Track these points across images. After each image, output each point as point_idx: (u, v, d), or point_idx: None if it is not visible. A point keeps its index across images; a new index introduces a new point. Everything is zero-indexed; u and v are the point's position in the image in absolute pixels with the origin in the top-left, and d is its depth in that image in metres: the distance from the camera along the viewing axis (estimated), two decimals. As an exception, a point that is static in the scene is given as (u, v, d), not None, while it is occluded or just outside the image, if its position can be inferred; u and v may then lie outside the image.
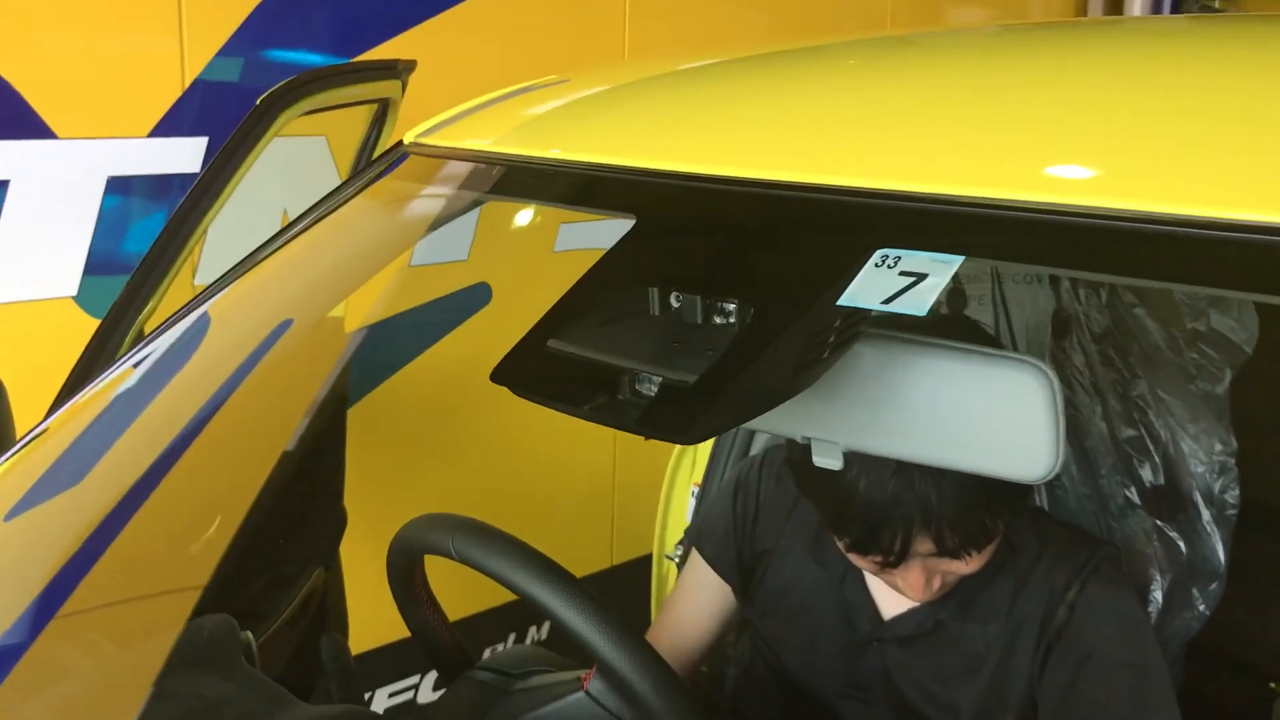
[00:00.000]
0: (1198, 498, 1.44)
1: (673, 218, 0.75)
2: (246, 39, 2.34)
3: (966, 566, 1.17)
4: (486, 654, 3.09)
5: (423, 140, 1.12)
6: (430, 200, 1.15)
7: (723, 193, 0.72)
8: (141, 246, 2.29)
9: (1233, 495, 1.45)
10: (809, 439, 0.73)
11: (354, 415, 2.22)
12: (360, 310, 2.09)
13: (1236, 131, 0.66)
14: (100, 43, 2.15)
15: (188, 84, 2.27)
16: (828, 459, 0.73)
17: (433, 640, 1.16)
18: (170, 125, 2.27)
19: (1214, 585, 1.43)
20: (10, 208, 2.10)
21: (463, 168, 1.12)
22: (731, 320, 0.61)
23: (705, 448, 1.83)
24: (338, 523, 2.10)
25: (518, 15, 2.72)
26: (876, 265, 0.57)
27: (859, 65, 1.17)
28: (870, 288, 0.56)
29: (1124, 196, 0.59)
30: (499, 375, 0.65)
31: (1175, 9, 4.40)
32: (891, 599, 1.29)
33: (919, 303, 0.54)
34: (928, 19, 3.81)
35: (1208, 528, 1.44)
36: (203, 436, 1.37)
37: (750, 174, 0.73)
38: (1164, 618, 1.41)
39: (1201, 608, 1.43)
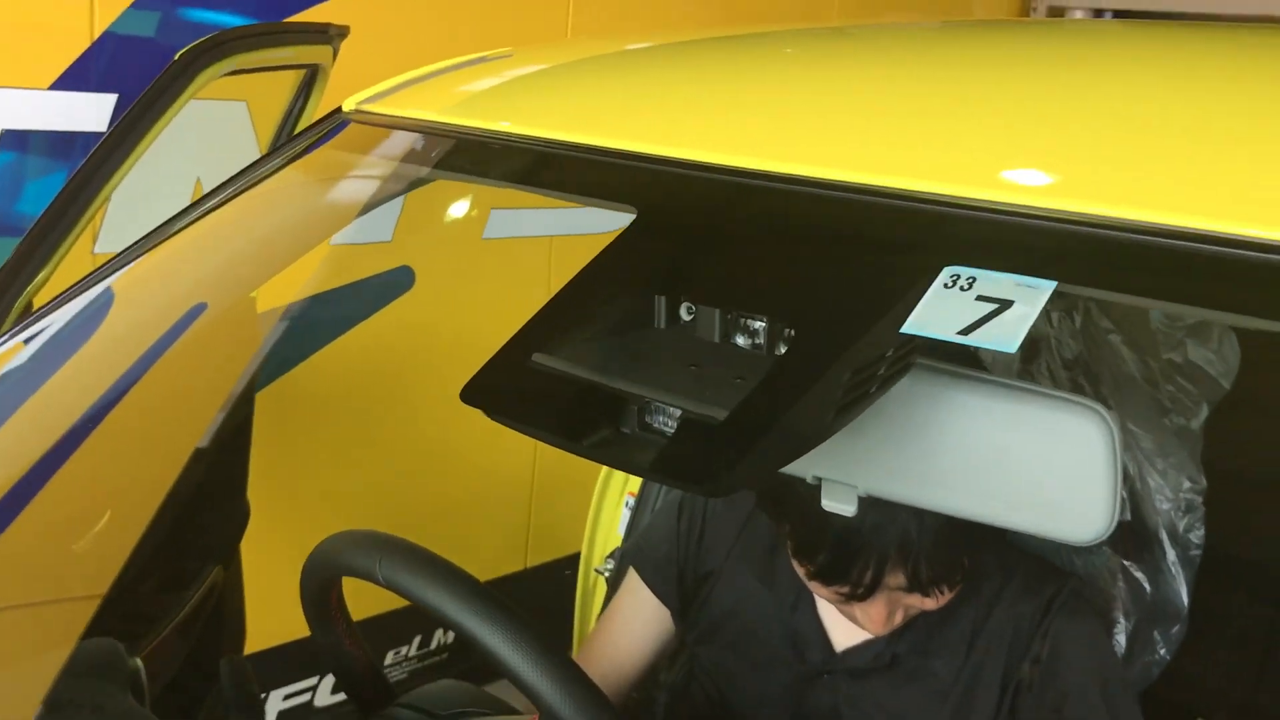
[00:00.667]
0: (1163, 536, 1.38)
1: (657, 210, 0.64)
2: (162, -11, 2.18)
3: (934, 603, 1.08)
4: (390, 657, 2.96)
5: (366, 108, 1.00)
6: (372, 172, 1.02)
7: (726, 185, 0.62)
8: (36, 209, 2.11)
9: (1197, 535, 1.39)
10: (819, 479, 0.62)
11: (261, 402, 2.07)
12: (273, 290, 1.95)
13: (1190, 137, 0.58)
14: (3, -15, 1.97)
15: (96, 35, 2.10)
16: (840, 504, 0.63)
17: (347, 666, 1.03)
18: (75, 79, 2.10)
19: (1176, 629, 1.37)
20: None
21: (408, 139, 1.00)
22: (760, 342, 0.50)
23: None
24: (239, 518, 1.96)
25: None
26: (947, 286, 0.47)
27: (812, 51, 1.08)
28: (942, 314, 0.46)
29: (1078, 199, 0.51)
30: (471, 395, 0.53)
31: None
32: (845, 629, 1.20)
33: (1006, 336, 0.44)
34: (871, 14, 3.76)
35: (1173, 568, 1.37)
36: (99, 425, 1.24)
37: (760, 165, 0.62)
38: (1126, 662, 1.34)
39: (1163, 652, 1.36)
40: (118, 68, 2.14)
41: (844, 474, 0.61)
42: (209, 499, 1.84)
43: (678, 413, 0.48)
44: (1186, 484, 1.39)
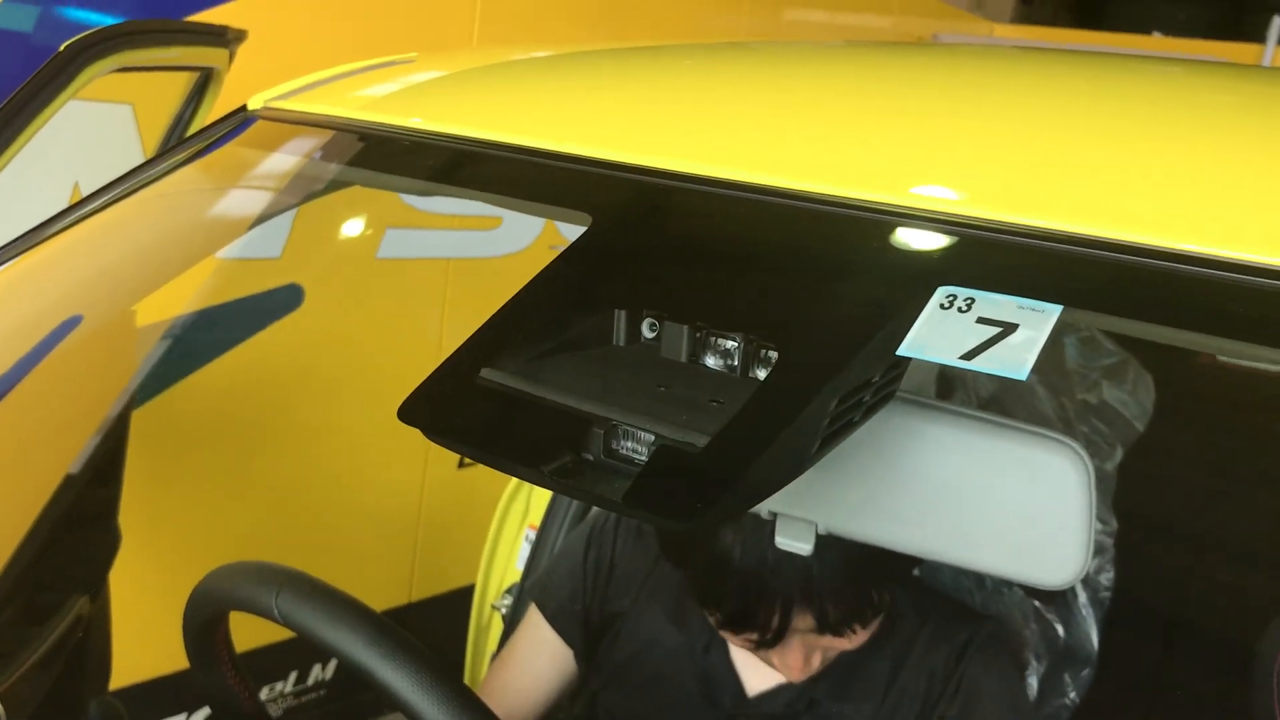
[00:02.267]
0: (1077, 586, 1.37)
1: (616, 216, 0.59)
2: (46, -15, 2.06)
3: (849, 643, 1.05)
4: (265, 693, 2.82)
5: (274, 105, 0.93)
6: (277, 171, 0.95)
7: (689, 191, 0.57)
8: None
9: (1107, 577, 1.38)
10: (774, 514, 0.58)
11: (137, 421, 1.96)
12: (154, 303, 1.85)
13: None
14: None
15: (-32, 25, 1.98)
16: (795, 542, 0.58)
17: (231, 703, 0.95)
18: (-56, 72, 1.97)
19: (1085, 671, 1.36)
20: None
21: (315, 139, 0.94)
22: (734, 363, 0.45)
23: (543, 493, 1.66)
24: (109, 545, 1.84)
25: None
26: (943, 306, 0.43)
27: (723, 60, 1.06)
28: (942, 337, 0.41)
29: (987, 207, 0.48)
30: (409, 413, 0.47)
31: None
32: (758, 673, 1.15)
33: (1014, 362, 0.40)
34: (776, 33, 3.79)
35: (1083, 610, 1.36)
36: None
37: (719, 171, 0.58)
38: (1037, 706, 1.32)
39: (1073, 695, 1.35)
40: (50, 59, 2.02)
41: (804, 510, 0.56)
42: (77, 525, 1.73)
43: (650, 438, 0.43)
44: (1098, 525, 1.38)
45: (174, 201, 1.00)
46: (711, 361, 0.47)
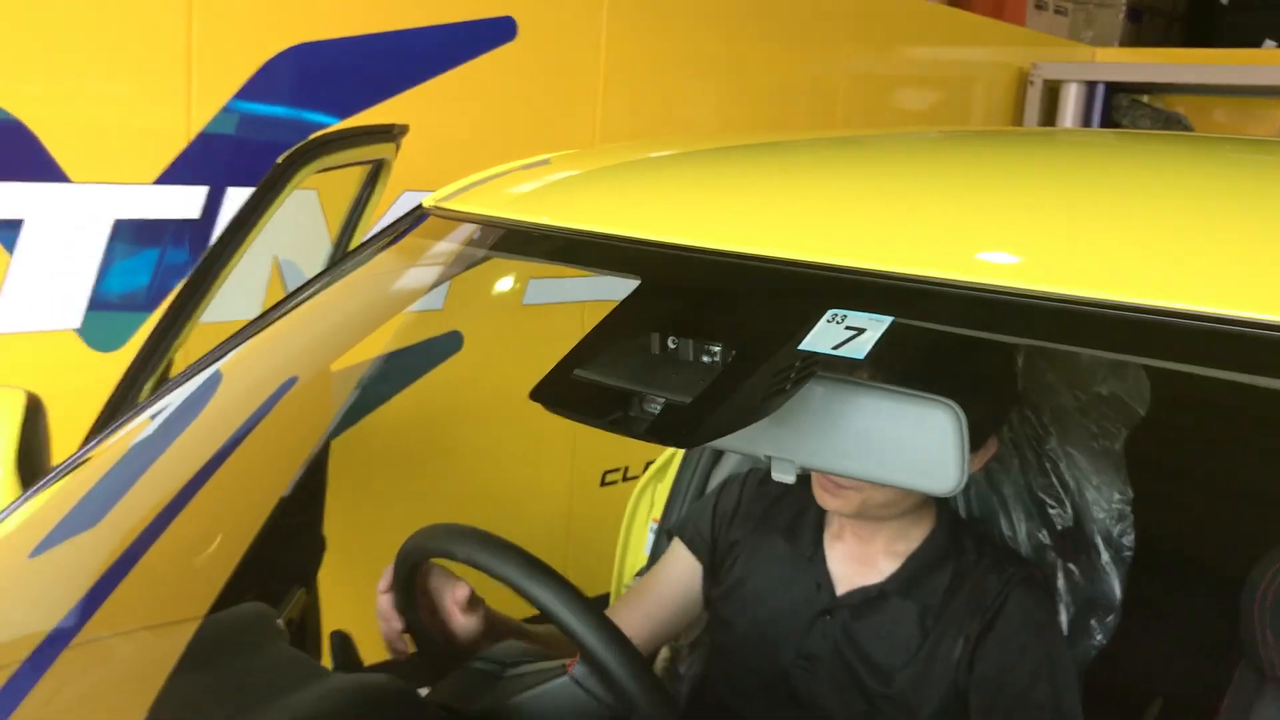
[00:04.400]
0: (1099, 540, 1.65)
1: (665, 279, 0.95)
2: (248, 97, 2.52)
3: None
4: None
5: (442, 205, 1.31)
6: (446, 257, 1.33)
7: (696, 260, 0.92)
8: (139, 285, 2.45)
9: (1129, 539, 1.65)
10: (770, 457, 0.92)
11: (335, 448, 2.38)
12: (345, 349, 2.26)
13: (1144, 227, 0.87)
14: (115, 95, 2.32)
15: (193, 136, 2.45)
16: (784, 474, 0.92)
17: (426, 636, 1.32)
18: (175, 174, 2.43)
19: (1110, 618, 1.63)
20: (23, 245, 2.26)
21: (474, 230, 1.31)
22: (715, 359, 0.80)
23: (665, 486, 2.02)
24: (317, 549, 2.26)
25: (496, 84, 2.94)
26: (829, 321, 0.76)
27: (814, 155, 1.39)
28: (824, 336, 0.75)
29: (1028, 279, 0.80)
30: (537, 394, 0.83)
31: (1107, 109, 4.71)
32: (846, 577, 1.49)
33: (859, 349, 0.73)
34: (875, 122, 4.08)
35: (1106, 567, 1.64)
36: (210, 482, 1.50)
37: (720, 245, 0.93)
38: (1068, 643, 1.60)
39: (1099, 637, 1.63)
40: (208, 164, 2.47)
41: (784, 452, 0.90)
42: (293, 534, 2.14)
43: (662, 401, 0.78)
44: (1117, 496, 1.66)
45: (375, 280, 1.38)
46: (704, 359, 0.81)
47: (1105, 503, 1.66)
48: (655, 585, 1.69)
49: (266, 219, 1.70)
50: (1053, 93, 4.76)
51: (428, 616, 1.34)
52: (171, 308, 1.59)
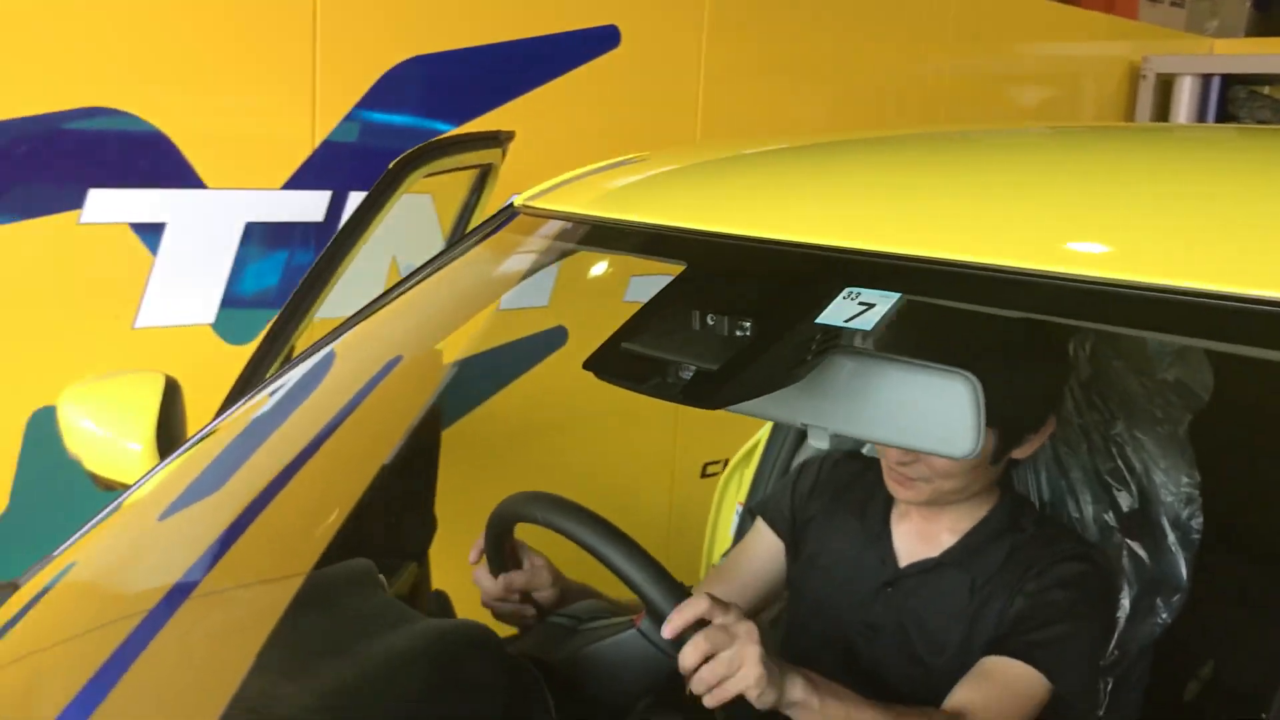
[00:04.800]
0: (1165, 522, 1.70)
1: (715, 266, 1.05)
2: (368, 107, 2.70)
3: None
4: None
5: (531, 203, 1.44)
6: (536, 250, 1.45)
7: (753, 249, 1.03)
8: (269, 284, 2.65)
9: (1197, 521, 1.70)
10: (805, 425, 1.02)
11: (448, 437, 2.53)
12: (456, 345, 2.41)
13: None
14: (246, 107, 2.52)
15: (317, 144, 2.63)
16: (818, 440, 1.02)
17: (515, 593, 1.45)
18: (300, 180, 2.62)
19: (1176, 597, 1.68)
20: (165, 246, 2.47)
21: (561, 225, 1.43)
22: (743, 334, 0.90)
23: (750, 471, 2.12)
24: (428, 526, 2.41)
25: (600, 90, 3.07)
26: (845, 298, 0.86)
27: (897, 151, 1.47)
28: (838, 311, 0.85)
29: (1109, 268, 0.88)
30: (590, 364, 0.95)
31: (1223, 102, 4.63)
32: (909, 550, 1.59)
33: (868, 321, 0.83)
34: (980, 121, 4.10)
35: (1173, 548, 1.69)
36: (320, 453, 1.65)
37: (770, 235, 1.03)
38: (1130, 622, 1.66)
39: (1164, 616, 1.68)
40: (331, 170, 2.66)
41: (818, 420, 1.00)
42: (405, 511, 2.29)
43: (693, 369, 0.88)
44: (1185, 480, 1.71)
45: (469, 271, 1.52)
46: (737, 334, 0.91)
47: (1174, 486, 1.71)
48: (739, 563, 1.80)
49: (379, 220, 1.85)
50: (1166, 86, 4.70)
51: (514, 580, 1.48)
52: (291, 301, 1.75)
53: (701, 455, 3.50)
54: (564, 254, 1.46)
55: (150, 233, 2.44)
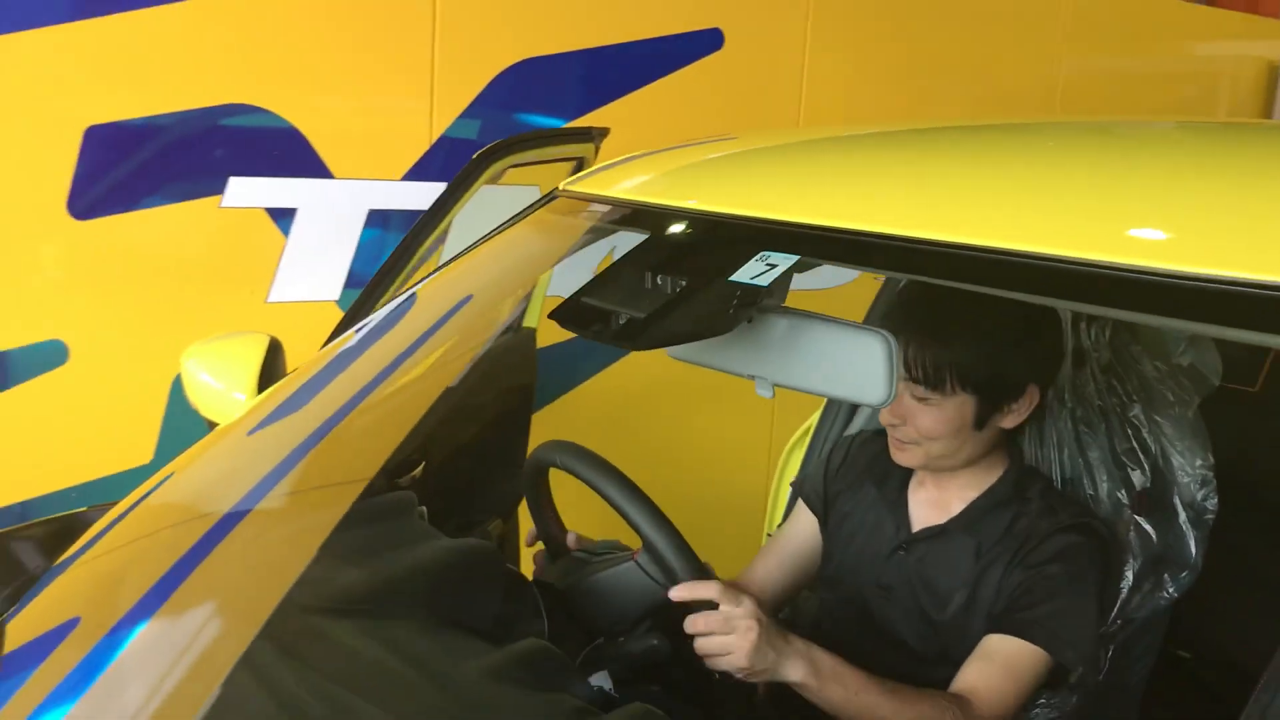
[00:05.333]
0: (1178, 502, 1.77)
1: (716, 242, 1.20)
2: (482, 105, 2.93)
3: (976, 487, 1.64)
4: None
5: (569, 187, 1.62)
6: (574, 231, 1.62)
7: (753, 228, 1.17)
8: (390, 265, 2.90)
9: (1211, 503, 1.77)
10: (753, 376, 1.17)
11: (539, 419, 2.73)
12: (551, 327, 2.61)
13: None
14: (370, 104, 2.78)
15: (434, 139, 2.88)
16: (764, 390, 1.17)
17: (548, 531, 1.64)
18: (418, 172, 2.88)
19: (1184, 574, 1.75)
20: (296, 230, 2.75)
21: (599, 209, 1.60)
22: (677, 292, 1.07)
23: (803, 450, 2.27)
24: (516, 490, 2.62)
25: (704, 90, 3.24)
26: (755, 261, 1.02)
27: (923, 141, 1.59)
28: (746, 272, 1.01)
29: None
30: (554, 314, 1.13)
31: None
32: (921, 518, 1.73)
33: (766, 279, 0.98)
34: (1093, 106, 4.10)
35: (1184, 527, 1.76)
36: (408, 386, 1.82)
37: (772, 216, 1.19)
38: (1132, 593, 1.74)
39: (1170, 590, 1.75)
40: (447, 162, 2.90)
41: (759, 372, 1.15)
42: (495, 469, 2.50)
43: (627, 316, 1.06)
44: (1199, 462, 1.78)
45: (517, 241, 1.70)
46: (673, 291, 1.08)
47: (1190, 468, 1.79)
48: (781, 539, 1.95)
49: (462, 203, 2.06)
50: (1306, 87, 4.58)
51: (550, 514, 1.67)
52: (374, 279, 1.98)
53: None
54: (598, 234, 1.62)
55: (283, 217, 2.73)
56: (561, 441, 1.55)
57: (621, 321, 1.05)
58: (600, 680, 1.41)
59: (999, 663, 1.55)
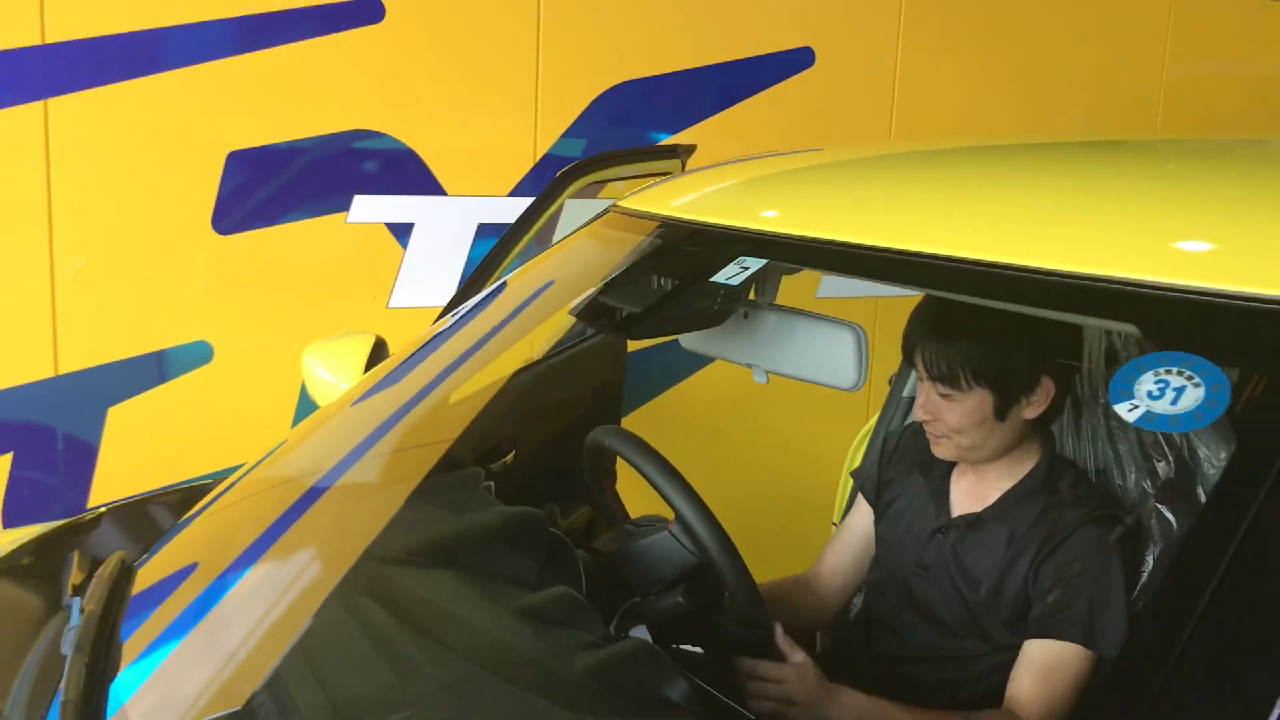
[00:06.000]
0: (1200, 492, 1.88)
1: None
2: (584, 124, 3.17)
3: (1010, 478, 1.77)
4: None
5: (622, 204, 1.82)
6: (621, 245, 1.80)
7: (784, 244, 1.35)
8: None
9: (1233, 494, 1.87)
10: (750, 364, 1.35)
11: (632, 420, 2.92)
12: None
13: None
14: (479, 127, 3.04)
15: (539, 157, 3.13)
16: (759, 377, 1.34)
17: (606, 506, 1.85)
18: (524, 188, 3.12)
19: (1205, 559, 1.86)
20: (414, 242, 3.03)
21: (647, 224, 1.80)
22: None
23: (864, 446, 2.42)
24: (609, 478, 2.82)
25: (796, 106, 3.40)
26: (733, 264, 1.20)
27: (961, 161, 1.74)
28: (725, 274, 1.19)
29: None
30: (573, 309, 1.33)
31: None
32: (960, 503, 1.87)
33: (738, 280, 1.17)
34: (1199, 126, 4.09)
35: (1205, 515, 1.86)
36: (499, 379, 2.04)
37: (799, 233, 1.37)
38: (1152, 575, 1.85)
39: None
40: (550, 179, 3.12)
41: (753, 360, 1.33)
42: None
43: (628, 310, 1.25)
44: (1224, 455, 1.88)
45: (574, 251, 1.89)
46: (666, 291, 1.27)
47: (1215, 460, 1.89)
48: (845, 529, 2.11)
49: (545, 217, 2.28)
50: None
51: (609, 490, 1.87)
52: (461, 289, 2.22)
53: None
54: (639, 246, 1.79)
55: (402, 231, 3.01)
56: (612, 427, 1.75)
57: (627, 317, 1.25)
58: (639, 633, 1.61)
59: (1042, 667, 1.67)
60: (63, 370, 2.74)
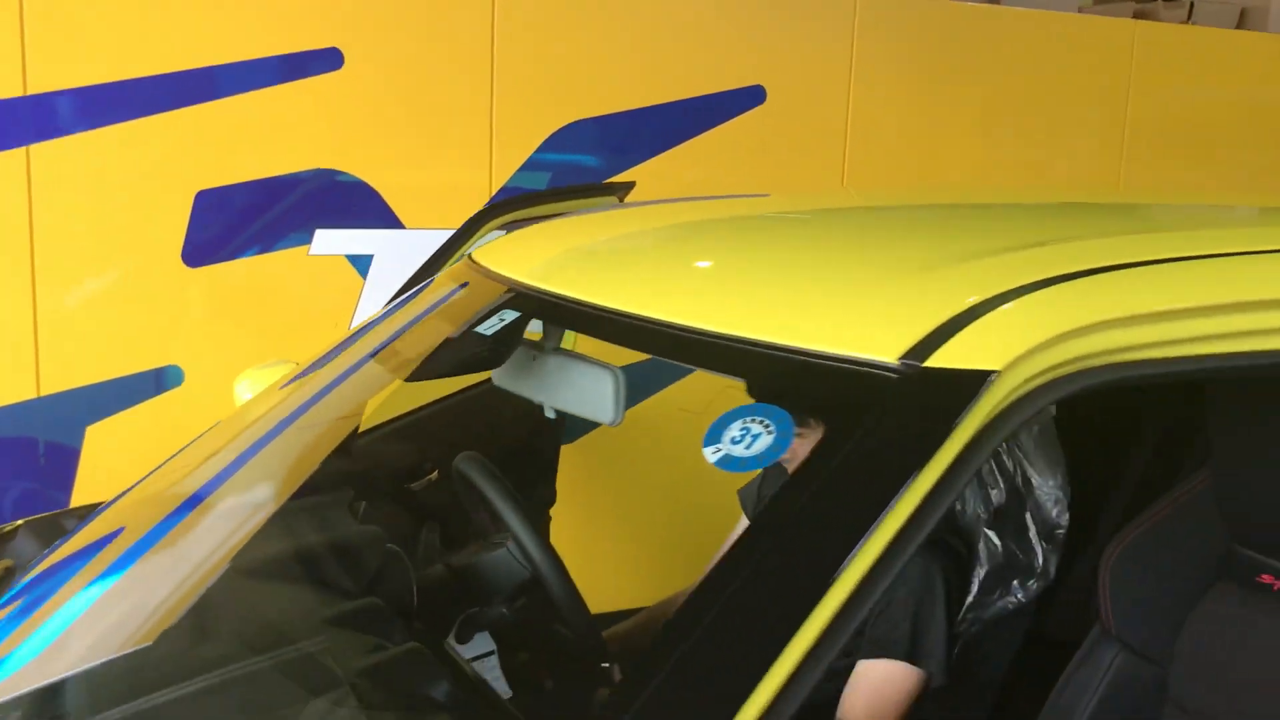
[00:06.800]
0: (1029, 517, 2.00)
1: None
2: (540, 159, 3.35)
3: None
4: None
5: (474, 253, 1.99)
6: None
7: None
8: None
9: (1064, 519, 1.99)
10: (538, 400, 1.52)
11: (569, 452, 3.07)
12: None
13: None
14: (435, 164, 3.24)
15: (494, 191, 3.32)
16: (548, 411, 1.51)
17: (477, 525, 2.02)
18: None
19: (1032, 582, 1.98)
20: (374, 272, 3.23)
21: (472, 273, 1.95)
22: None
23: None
24: (548, 498, 2.98)
25: (747, 143, 3.55)
26: (495, 318, 1.38)
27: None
28: (486, 325, 1.37)
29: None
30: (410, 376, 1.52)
31: None
32: None
33: (491, 328, 1.34)
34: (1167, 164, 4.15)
35: (1034, 540, 1.99)
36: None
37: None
38: (979, 595, 1.98)
39: (1019, 596, 1.98)
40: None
41: (539, 397, 1.50)
42: (531, 482, 2.86)
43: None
44: (1052, 482, 2.01)
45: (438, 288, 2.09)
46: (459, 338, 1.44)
47: (1047, 487, 2.01)
48: (727, 544, 2.27)
49: (455, 257, 2.46)
50: None
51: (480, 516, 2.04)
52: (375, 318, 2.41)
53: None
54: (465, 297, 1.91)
55: (362, 263, 3.22)
56: (470, 454, 1.92)
57: (437, 363, 1.43)
58: (482, 640, 1.79)
59: (870, 687, 1.81)
60: (44, 392, 2.98)
